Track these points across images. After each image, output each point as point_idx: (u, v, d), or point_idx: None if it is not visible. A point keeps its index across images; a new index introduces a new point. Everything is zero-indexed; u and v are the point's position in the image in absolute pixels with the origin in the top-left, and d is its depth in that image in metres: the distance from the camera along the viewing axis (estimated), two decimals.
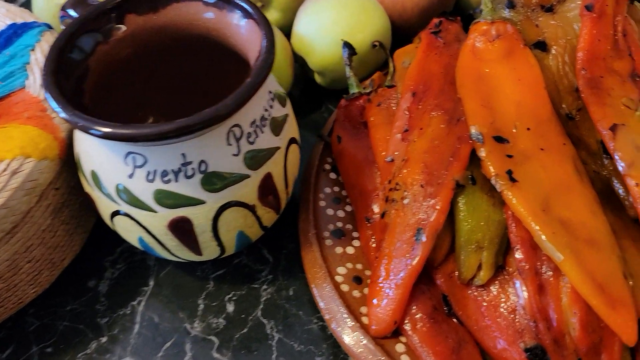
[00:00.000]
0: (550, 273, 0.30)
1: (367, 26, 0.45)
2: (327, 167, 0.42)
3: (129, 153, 0.31)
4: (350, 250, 0.38)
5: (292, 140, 0.36)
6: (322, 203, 0.40)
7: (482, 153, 0.33)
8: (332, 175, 0.42)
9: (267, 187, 0.35)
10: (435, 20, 0.42)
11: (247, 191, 0.33)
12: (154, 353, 0.37)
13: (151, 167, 0.31)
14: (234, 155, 0.32)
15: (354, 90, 0.42)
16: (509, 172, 0.32)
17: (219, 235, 0.35)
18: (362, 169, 0.40)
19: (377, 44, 0.45)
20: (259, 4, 0.51)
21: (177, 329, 0.38)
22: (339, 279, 0.36)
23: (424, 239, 0.33)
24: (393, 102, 0.40)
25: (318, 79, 0.49)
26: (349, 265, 0.37)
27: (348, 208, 0.40)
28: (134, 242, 0.36)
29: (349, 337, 0.33)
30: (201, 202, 0.32)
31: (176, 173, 0.31)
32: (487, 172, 0.33)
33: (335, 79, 0.48)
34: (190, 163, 0.31)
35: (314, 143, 0.44)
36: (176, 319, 0.38)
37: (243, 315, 0.38)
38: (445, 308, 0.34)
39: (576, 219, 0.31)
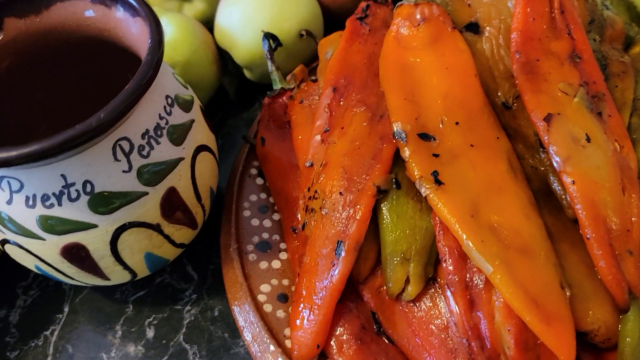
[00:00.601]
0: (482, 286, 0.27)
1: (294, 14, 0.42)
2: (254, 172, 0.39)
3: (2, 177, 0.28)
4: (276, 264, 0.35)
5: (201, 148, 0.33)
6: (247, 213, 0.37)
7: (405, 153, 0.30)
8: (259, 181, 0.38)
9: (172, 203, 0.31)
10: (363, 4, 0.38)
11: (146, 210, 0.30)
12: None
13: (29, 191, 0.28)
14: (125, 171, 0.29)
15: (277, 86, 0.39)
16: (435, 174, 0.29)
17: (123, 259, 0.31)
18: (287, 174, 0.36)
19: (304, 33, 0.41)
20: None
21: (92, 359, 0.35)
22: (261, 298, 0.33)
23: (343, 253, 0.29)
24: (317, 98, 0.36)
25: (247, 74, 0.45)
26: (274, 281, 0.34)
27: (276, 217, 0.37)
28: (33, 269, 0.32)
29: None
30: (93, 226, 0.29)
31: (58, 196, 0.28)
32: (411, 175, 0.29)
33: (265, 74, 0.44)
34: (72, 184, 0.28)
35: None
36: (92, 348, 0.35)
37: (164, 341, 0.35)
38: (374, 327, 0.31)
39: (508, 224, 0.27)
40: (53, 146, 0.25)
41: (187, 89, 0.34)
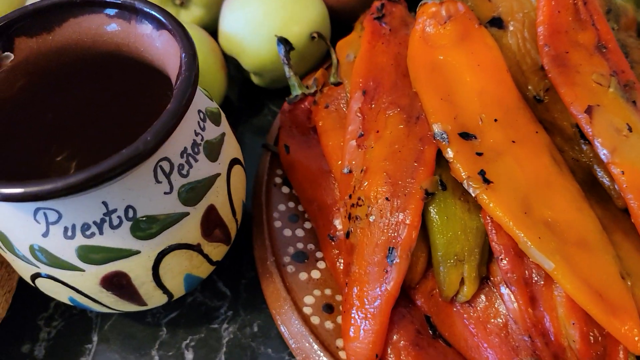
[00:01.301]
0: (542, 282, 0.27)
1: (303, 16, 0.41)
2: (278, 180, 0.38)
3: (38, 209, 0.26)
4: (315, 274, 0.34)
5: (233, 162, 0.32)
6: (278, 223, 0.36)
7: (449, 154, 0.30)
8: (285, 190, 0.37)
9: (211, 221, 0.30)
10: (377, 4, 0.38)
11: (188, 230, 0.29)
12: None
13: (68, 221, 0.26)
14: (166, 193, 0.27)
15: (296, 91, 0.38)
16: (482, 173, 0.29)
17: (163, 283, 0.30)
18: (318, 181, 0.35)
19: (315, 35, 0.40)
20: (177, 2, 0.45)
21: None
22: (307, 310, 0.32)
23: (397, 259, 0.29)
24: (342, 102, 0.36)
25: (255, 79, 0.44)
26: (317, 292, 0.33)
27: (307, 225, 0.36)
28: (66, 301, 0.31)
29: None
30: (135, 253, 0.28)
31: (99, 225, 0.26)
32: (457, 175, 0.29)
33: (275, 79, 0.43)
34: (114, 211, 0.26)
35: (260, 154, 0.39)
36: None
37: None
38: (429, 331, 0.30)
39: (562, 218, 0.28)
40: (100, 174, 0.23)
41: (212, 101, 0.33)
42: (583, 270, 0.26)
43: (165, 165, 0.27)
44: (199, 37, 0.40)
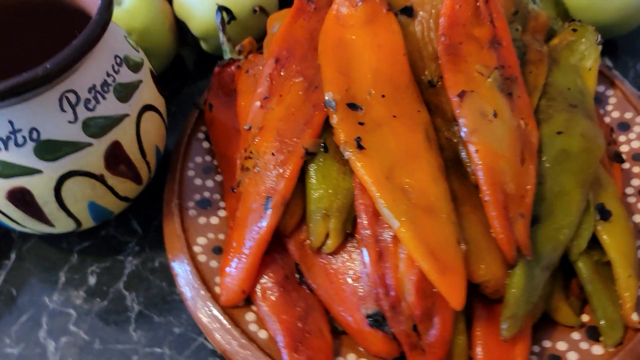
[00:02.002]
0: (390, 240, 0.30)
1: None
2: (201, 135, 0.41)
3: None
4: (214, 220, 0.37)
5: (147, 108, 0.35)
6: (191, 172, 0.39)
7: (334, 120, 0.33)
8: (205, 145, 0.41)
9: (116, 156, 0.33)
10: None
11: (90, 160, 0.32)
12: (8, 326, 0.36)
13: None
14: (70, 122, 0.31)
15: (227, 56, 0.41)
16: (358, 139, 0.32)
17: (67, 206, 0.33)
18: (231, 138, 0.39)
19: (257, 9, 0.44)
20: None
21: (35, 302, 0.37)
22: (197, 249, 0.35)
23: (271, 209, 0.32)
24: (261, 68, 0.39)
25: (203, 45, 0.48)
26: (211, 235, 0.36)
27: (219, 178, 0.40)
28: None
29: (199, 306, 0.33)
30: (38, 172, 0.31)
31: (5, 141, 0.30)
32: (337, 140, 0.32)
33: (220, 45, 0.46)
34: (20, 131, 0.30)
35: None
36: (35, 292, 0.37)
37: (104, 288, 0.37)
38: (297, 276, 0.33)
39: (417, 186, 0.30)
40: (1, 91, 0.27)
41: (138, 52, 0.36)
42: (424, 232, 0.29)
43: (72, 97, 0.31)
44: None
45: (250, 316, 0.33)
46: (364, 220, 0.31)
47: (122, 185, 0.35)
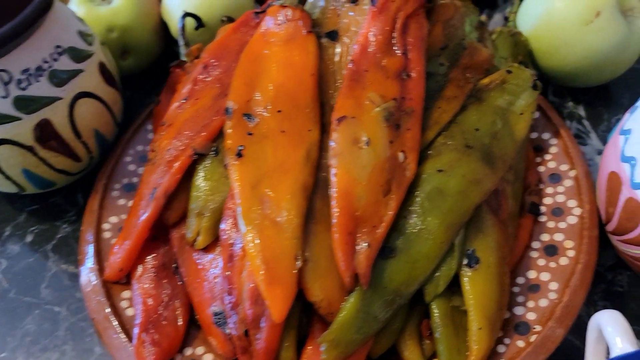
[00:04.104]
0: (241, 245, 0.32)
1: (221, 2, 0.47)
2: (150, 127, 0.45)
3: None
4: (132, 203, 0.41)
5: (83, 94, 0.39)
6: (128, 158, 0.43)
7: (227, 127, 0.35)
8: (151, 136, 0.45)
9: (46, 132, 0.38)
10: (267, 2, 0.43)
11: (19, 132, 0.37)
12: None
13: None
14: (2, 97, 0.36)
15: (182, 58, 0.45)
16: (240, 148, 0.34)
17: (3, 170, 0.39)
18: None
19: (224, 19, 0.47)
20: None
21: None
22: (106, 226, 0.39)
23: (153, 198, 0.35)
24: None
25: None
26: (123, 216, 0.40)
27: None
28: None
29: (85, 275, 0.37)
30: None
31: None
32: (225, 146, 0.35)
33: None
34: None
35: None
36: None
37: (36, 247, 0.42)
38: (173, 266, 0.36)
39: (276, 199, 0.32)
40: None
41: (90, 45, 0.41)
42: (265, 242, 0.31)
43: (4, 75, 0.36)
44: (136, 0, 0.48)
45: (126, 294, 0.36)
46: (226, 223, 0.33)
47: (56, 159, 0.40)
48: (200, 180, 0.35)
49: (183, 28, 0.45)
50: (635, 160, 0.32)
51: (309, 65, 0.37)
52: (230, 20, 0.47)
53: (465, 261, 0.32)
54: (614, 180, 0.34)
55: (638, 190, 0.32)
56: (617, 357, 0.24)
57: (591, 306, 0.37)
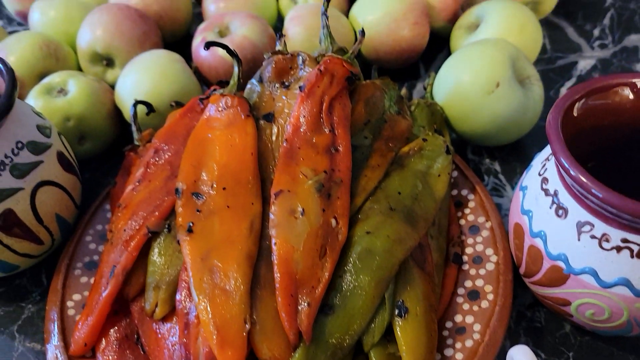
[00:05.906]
0: (195, 313, 0.36)
1: (168, 89, 0.52)
2: (108, 207, 0.49)
3: None
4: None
5: (44, 183, 0.43)
6: (89, 238, 0.46)
7: (177, 206, 0.39)
8: (109, 215, 0.48)
9: (9, 221, 0.41)
10: (210, 89, 0.48)
11: None
12: None
13: None
14: None
15: (135, 142, 0.49)
16: (190, 224, 0.38)
17: None
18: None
19: (173, 104, 0.52)
20: (104, 62, 0.59)
21: None
22: (70, 304, 0.42)
23: (113, 275, 0.38)
24: None
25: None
26: (86, 293, 0.43)
27: None
28: None
29: (51, 352, 0.39)
30: None
31: None
32: (177, 223, 0.38)
33: None
34: None
35: None
36: None
37: (2, 328, 0.45)
38: (135, 336, 0.39)
39: (224, 268, 0.36)
40: None
41: (48, 137, 0.45)
42: (216, 309, 0.34)
43: None
44: (90, 90, 0.53)
45: None
46: (181, 294, 0.37)
47: (20, 244, 0.43)
48: (156, 256, 0.39)
49: (135, 115, 0.49)
50: (532, 212, 0.38)
51: (248, 145, 0.41)
52: (179, 104, 0.52)
53: (396, 312, 0.37)
54: (519, 230, 0.39)
55: (536, 238, 0.37)
56: None
57: (515, 342, 0.42)
